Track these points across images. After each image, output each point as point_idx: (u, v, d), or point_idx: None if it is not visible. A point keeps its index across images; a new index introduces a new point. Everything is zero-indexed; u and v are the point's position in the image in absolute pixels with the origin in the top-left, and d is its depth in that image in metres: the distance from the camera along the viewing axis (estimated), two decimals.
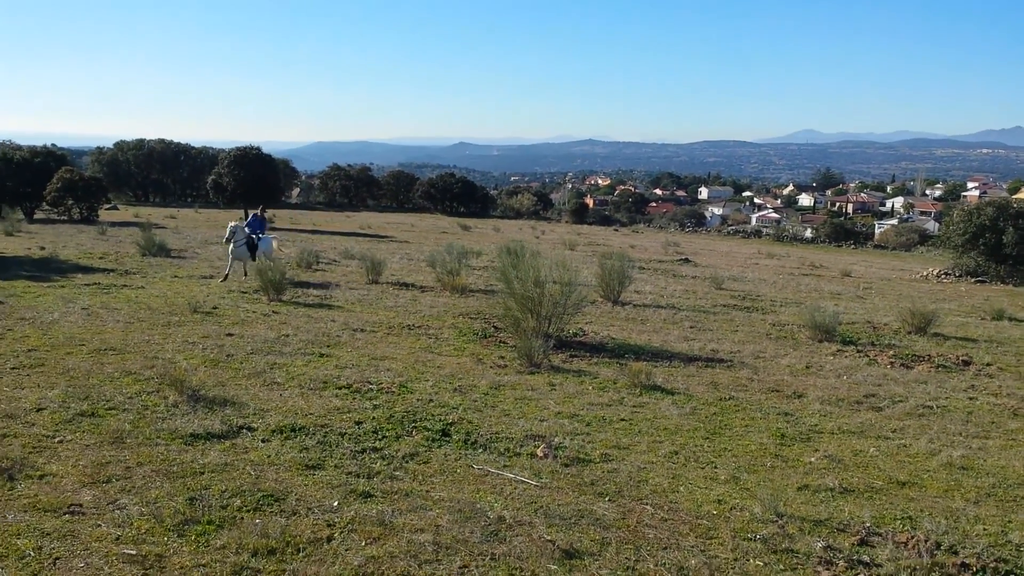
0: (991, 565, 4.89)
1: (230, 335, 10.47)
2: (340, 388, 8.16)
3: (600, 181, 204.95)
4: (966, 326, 15.06)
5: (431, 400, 7.94)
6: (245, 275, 16.21)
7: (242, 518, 4.97)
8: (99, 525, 4.78)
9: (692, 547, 4.99)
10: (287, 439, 6.52)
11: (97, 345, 9.40)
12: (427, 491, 5.63)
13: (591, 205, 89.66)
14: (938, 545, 5.13)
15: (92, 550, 4.49)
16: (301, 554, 4.58)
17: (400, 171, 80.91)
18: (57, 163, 36.66)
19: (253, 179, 38.52)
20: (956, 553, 5.06)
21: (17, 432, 6.28)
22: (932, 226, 64.98)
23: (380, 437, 6.71)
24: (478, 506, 5.39)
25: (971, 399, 9.30)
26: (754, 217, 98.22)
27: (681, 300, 16.69)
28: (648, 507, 5.58)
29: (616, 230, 54.34)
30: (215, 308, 12.49)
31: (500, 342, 11.06)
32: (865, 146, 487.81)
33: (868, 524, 5.44)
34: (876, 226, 68.51)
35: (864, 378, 10.07)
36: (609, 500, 5.68)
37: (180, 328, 10.76)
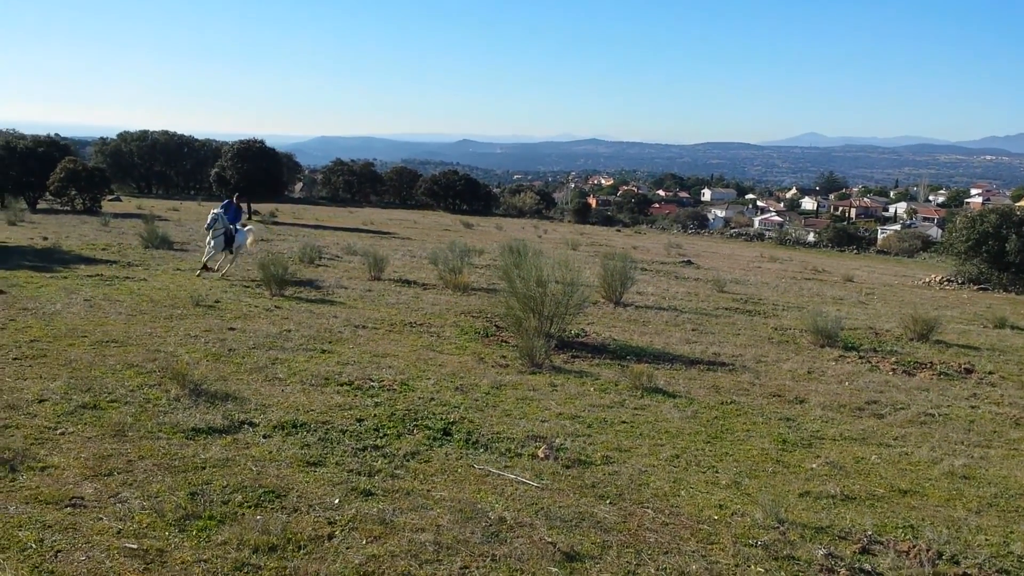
0: None
1: (232, 329, 10.47)
2: (341, 385, 8.16)
3: (603, 181, 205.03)
4: (968, 334, 15.04)
5: (432, 398, 7.94)
6: (209, 269, 15.64)
7: (243, 514, 4.96)
8: (100, 518, 4.78)
9: (693, 552, 4.98)
10: (288, 435, 6.52)
11: (99, 337, 9.40)
12: (428, 490, 5.63)
13: (594, 205, 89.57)
14: (940, 555, 5.12)
15: (93, 543, 4.49)
16: (302, 551, 4.58)
17: (403, 167, 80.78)
18: (61, 153, 36.60)
19: (256, 172, 38.47)
20: (958, 563, 5.06)
21: (19, 423, 6.29)
22: (935, 232, 64.96)
23: (381, 435, 6.71)
24: (479, 506, 5.39)
25: (973, 408, 9.29)
26: (757, 220, 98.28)
27: (683, 302, 16.67)
28: (649, 511, 5.57)
29: (619, 231, 54.24)
30: (217, 302, 12.49)
31: (502, 341, 11.06)
32: (869, 151, 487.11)
33: (870, 532, 5.44)
34: (879, 231, 68.55)
35: (866, 384, 10.06)
36: (610, 503, 5.67)
37: (182, 321, 10.76)
